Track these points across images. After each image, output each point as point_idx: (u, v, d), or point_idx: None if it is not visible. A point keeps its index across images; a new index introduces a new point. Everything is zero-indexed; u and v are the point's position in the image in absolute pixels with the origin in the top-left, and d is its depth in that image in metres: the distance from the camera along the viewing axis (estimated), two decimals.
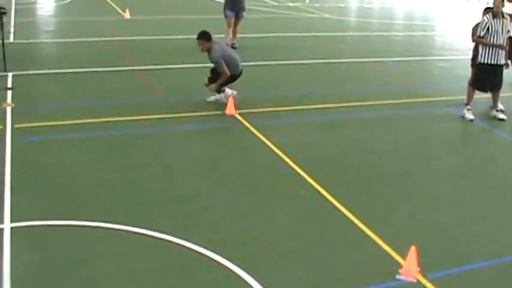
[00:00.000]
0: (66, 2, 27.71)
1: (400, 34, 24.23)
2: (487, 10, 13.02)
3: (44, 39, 19.38)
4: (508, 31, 12.27)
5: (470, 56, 13.37)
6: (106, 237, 7.09)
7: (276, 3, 30.46)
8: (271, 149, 9.95)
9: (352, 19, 28.20)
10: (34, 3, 27.39)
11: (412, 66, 17.66)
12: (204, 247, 6.82)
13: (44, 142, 9.99)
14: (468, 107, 12.34)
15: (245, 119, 11.20)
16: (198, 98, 12.53)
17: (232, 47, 17.15)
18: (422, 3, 34.80)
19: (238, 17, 17.49)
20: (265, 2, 30.36)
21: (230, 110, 11.56)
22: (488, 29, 12.02)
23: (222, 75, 11.97)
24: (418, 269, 6.48)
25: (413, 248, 6.47)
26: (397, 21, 28.16)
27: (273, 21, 24.91)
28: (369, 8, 32.98)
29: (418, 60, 18.45)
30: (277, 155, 9.70)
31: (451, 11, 31.87)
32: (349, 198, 8.28)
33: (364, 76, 15.95)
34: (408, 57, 18.59)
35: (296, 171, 9.12)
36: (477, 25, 12.90)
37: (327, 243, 7.18)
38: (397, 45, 21.67)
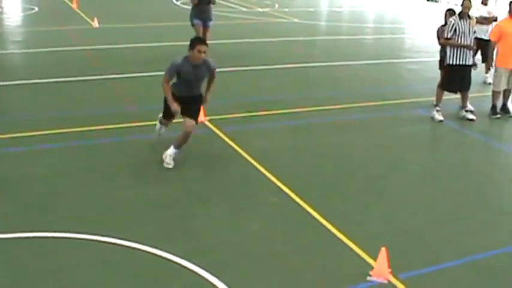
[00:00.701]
0: (33, 12, 27.48)
1: (370, 37, 24.37)
2: (449, 11, 13.22)
3: (12, 49, 19.20)
4: (474, 32, 12.40)
5: (439, 58, 13.49)
6: (78, 247, 7.03)
7: (245, 9, 30.47)
8: (242, 155, 9.94)
9: (322, 23, 28.28)
10: (0, 13, 27.12)
11: (382, 69, 17.78)
12: (177, 255, 6.81)
13: (14, 154, 9.86)
14: (437, 108, 12.43)
15: (215, 126, 11.17)
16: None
17: None
18: (391, 6, 35.01)
19: (205, 26, 17.30)
20: (233, 8, 30.35)
21: (200, 117, 11.49)
22: (455, 30, 12.13)
23: (213, 83, 9.93)
24: (389, 270, 6.53)
25: (383, 249, 6.52)
26: (366, 25, 28.29)
27: (242, 26, 24.92)
28: (338, 11, 33.13)
29: (388, 63, 18.58)
30: (249, 161, 9.69)
31: (420, 14, 32.10)
32: (321, 202, 8.30)
33: (335, 80, 16.01)
34: (378, 60, 18.72)
35: (268, 177, 9.12)
36: (442, 27, 13.11)
37: (299, 248, 7.18)
38: (367, 48, 21.80)
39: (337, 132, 11.50)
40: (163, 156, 9.45)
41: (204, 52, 9.27)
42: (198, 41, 9.36)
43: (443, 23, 13.22)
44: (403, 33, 26.08)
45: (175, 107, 9.33)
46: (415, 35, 24.99)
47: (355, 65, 17.83)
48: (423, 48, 20.69)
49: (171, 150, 9.46)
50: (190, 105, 9.59)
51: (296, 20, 27.13)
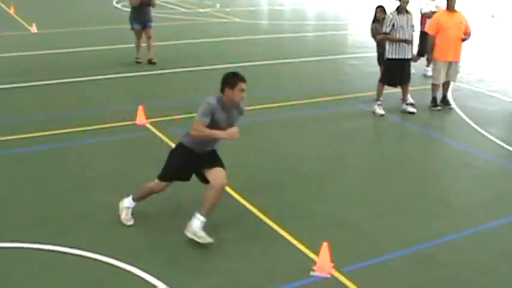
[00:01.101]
0: None
1: (312, 34, 24.51)
2: (379, 8, 13.40)
3: None
4: (412, 25, 12.54)
5: (376, 54, 13.64)
6: (16, 257, 6.87)
7: (185, 10, 30.30)
8: None
9: (264, 22, 28.31)
10: None
11: (323, 65, 17.88)
12: (119, 259, 6.73)
13: None
14: (378, 102, 12.55)
15: (156, 128, 11.07)
16: (108, 109, 12.37)
17: (150, 62, 16.81)
18: (332, 3, 35.18)
19: (145, 28, 16.93)
20: (174, 9, 30.14)
21: (141, 119, 11.40)
22: (393, 25, 12.25)
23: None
24: (332, 265, 6.55)
25: (325, 244, 6.54)
26: (308, 22, 28.45)
27: (183, 28, 24.74)
28: (280, 10, 33.18)
29: (330, 59, 18.70)
30: None
31: (361, 9, 32.33)
32: (263, 200, 8.29)
33: (277, 78, 16.04)
34: (320, 57, 18.81)
35: None
36: (374, 24, 13.31)
37: (242, 247, 7.15)
38: (309, 45, 21.94)
39: (279, 130, 11.50)
40: (191, 235, 7.13)
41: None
42: (239, 78, 7.31)
43: (374, 20, 13.48)
44: (345, 29, 26.24)
45: (234, 130, 7.27)
46: (357, 30, 25.16)
47: (297, 63, 17.89)
48: (364, 43, 20.81)
49: (198, 222, 7.15)
50: (210, 154, 7.53)
51: (237, 20, 27.12)
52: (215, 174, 7.23)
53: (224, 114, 7.33)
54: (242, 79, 7.31)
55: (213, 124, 7.23)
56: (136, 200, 7.71)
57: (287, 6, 34.82)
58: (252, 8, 32.54)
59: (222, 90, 7.36)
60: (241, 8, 32.24)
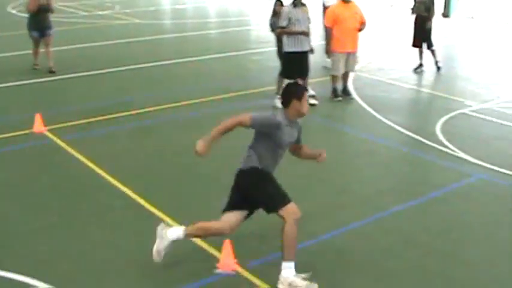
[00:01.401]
0: None
1: (215, 32, 24.50)
2: (278, 1, 13.53)
3: None
4: (308, 18, 12.62)
5: (276, 48, 13.71)
6: None
7: (85, 13, 29.67)
8: (83, 162, 9.65)
9: (166, 21, 28.13)
10: None
11: (227, 62, 17.94)
12: (17, 272, 6.50)
13: None
14: (279, 96, 12.54)
15: (55, 135, 10.78)
16: (4, 119, 12.01)
17: (50, 71, 16.25)
18: (235, 0, 35.18)
19: (44, 35, 16.27)
20: (73, 13, 29.43)
21: (38, 127, 11.07)
22: (289, 18, 12.30)
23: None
24: (236, 261, 6.54)
25: (227, 241, 6.53)
26: (211, 20, 28.45)
27: (82, 31, 24.18)
28: (182, 9, 32.96)
29: (234, 56, 18.74)
30: (90, 167, 9.41)
31: (264, 4, 32.46)
32: (164, 201, 8.22)
33: (179, 77, 15.93)
34: (223, 54, 18.83)
35: (110, 182, 8.91)
36: (273, 18, 13.38)
37: (145, 249, 6.98)
38: (212, 42, 21.90)
39: (179, 131, 11.39)
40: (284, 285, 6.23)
41: None
42: (304, 88, 6.77)
43: (272, 13, 13.58)
44: (248, 25, 26.40)
45: (202, 147, 6.99)
46: (259, 26, 25.18)
47: (200, 61, 17.82)
48: (266, 38, 20.75)
49: (289, 270, 6.28)
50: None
51: (137, 21, 26.76)
52: (287, 209, 6.45)
53: (292, 130, 6.70)
54: (306, 89, 6.74)
55: (276, 142, 6.69)
56: None
57: (189, 5, 34.56)
58: (152, 8, 32.16)
59: (287, 104, 6.55)
60: (141, 8, 31.81)
